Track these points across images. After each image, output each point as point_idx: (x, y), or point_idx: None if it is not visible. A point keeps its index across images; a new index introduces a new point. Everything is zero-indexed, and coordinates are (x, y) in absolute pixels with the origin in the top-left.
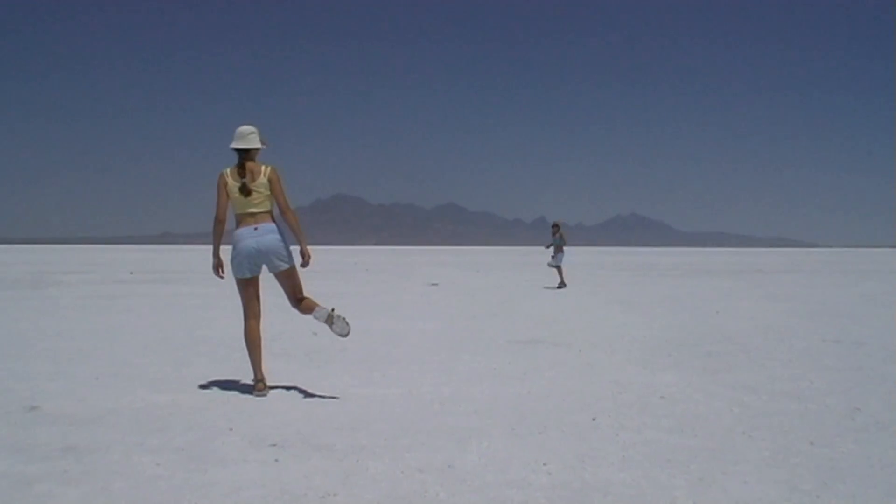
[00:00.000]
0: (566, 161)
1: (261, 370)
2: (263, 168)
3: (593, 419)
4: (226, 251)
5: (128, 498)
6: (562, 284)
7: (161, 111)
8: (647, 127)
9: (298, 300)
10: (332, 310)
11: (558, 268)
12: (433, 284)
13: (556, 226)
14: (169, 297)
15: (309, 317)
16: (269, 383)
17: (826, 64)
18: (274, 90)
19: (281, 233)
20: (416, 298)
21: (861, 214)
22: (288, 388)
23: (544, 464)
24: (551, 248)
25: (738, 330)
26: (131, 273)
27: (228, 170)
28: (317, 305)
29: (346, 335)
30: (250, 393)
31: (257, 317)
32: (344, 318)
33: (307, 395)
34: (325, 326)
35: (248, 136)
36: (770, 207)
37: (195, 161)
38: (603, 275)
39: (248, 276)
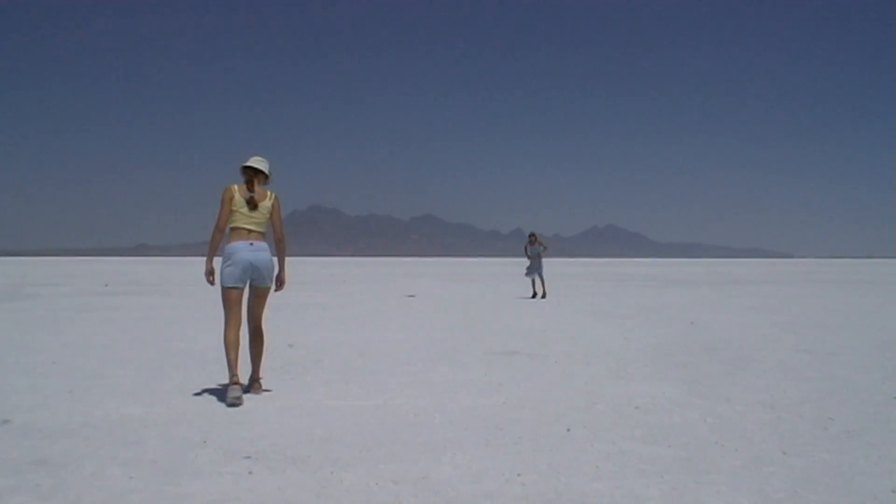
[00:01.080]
0: (543, 172)
1: (236, 369)
2: (269, 193)
3: (568, 430)
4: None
5: None
6: (544, 295)
7: (135, 123)
8: (625, 138)
9: (258, 324)
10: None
11: (541, 278)
12: (410, 296)
13: (533, 235)
14: (143, 310)
15: (281, 332)
16: (245, 397)
17: (801, 74)
18: (250, 101)
19: (270, 251)
20: (393, 310)
21: (836, 225)
22: (263, 401)
23: (518, 474)
24: (527, 260)
25: (712, 340)
26: (106, 286)
27: (236, 185)
28: (261, 362)
29: (232, 406)
30: (224, 404)
31: (238, 324)
32: (239, 397)
33: (282, 407)
34: (294, 343)
35: (263, 163)
36: (745, 218)
37: (170, 173)
38: (579, 286)
39: (238, 285)
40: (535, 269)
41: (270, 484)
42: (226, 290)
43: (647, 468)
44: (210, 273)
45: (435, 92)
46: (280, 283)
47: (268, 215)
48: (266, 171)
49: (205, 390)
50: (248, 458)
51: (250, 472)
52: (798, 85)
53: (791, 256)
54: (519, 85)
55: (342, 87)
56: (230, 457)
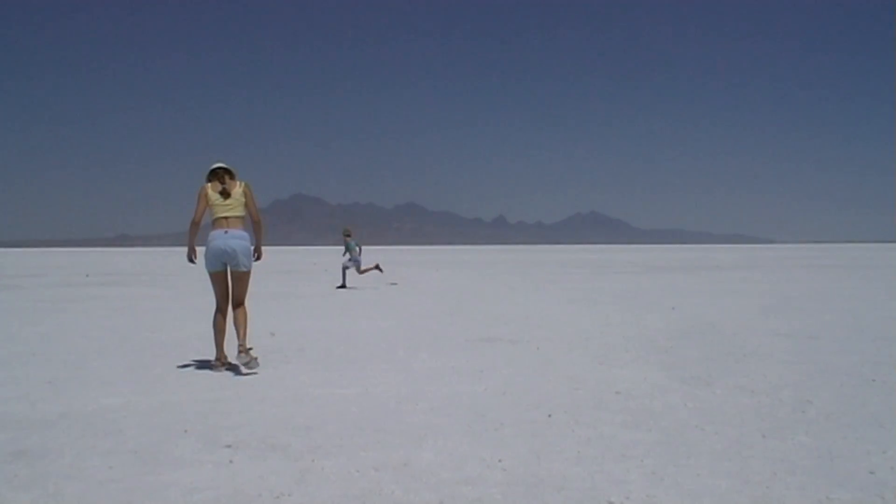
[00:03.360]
0: (525, 160)
1: (223, 351)
2: (239, 182)
3: (549, 415)
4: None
5: (79, 501)
6: (343, 286)
7: (117, 113)
8: (607, 125)
9: (239, 303)
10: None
11: (353, 269)
12: (392, 284)
13: (347, 231)
14: (124, 300)
15: (263, 321)
16: (225, 386)
17: (783, 60)
18: (231, 92)
19: (248, 239)
20: (376, 298)
21: (817, 211)
22: (244, 389)
23: (500, 460)
24: (347, 255)
25: (693, 326)
26: (87, 276)
27: (209, 184)
28: (244, 331)
29: (252, 369)
30: (206, 394)
31: (226, 309)
32: (256, 359)
33: (263, 395)
34: (276, 332)
35: (228, 164)
36: (727, 204)
37: (151, 163)
38: (561, 272)
39: (216, 269)
40: (351, 262)
41: (251, 472)
42: (210, 276)
43: (627, 453)
44: (191, 253)
45: (418, 81)
46: (258, 254)
47: (242, 200)
48: (231, 169)
49: (186, 380)
50: (229, 446)
51: (231, 461)
52: (780, 70)
53: (773, 242)
54: (501, 73)
55: (324, 76)
56: (211, 445)
